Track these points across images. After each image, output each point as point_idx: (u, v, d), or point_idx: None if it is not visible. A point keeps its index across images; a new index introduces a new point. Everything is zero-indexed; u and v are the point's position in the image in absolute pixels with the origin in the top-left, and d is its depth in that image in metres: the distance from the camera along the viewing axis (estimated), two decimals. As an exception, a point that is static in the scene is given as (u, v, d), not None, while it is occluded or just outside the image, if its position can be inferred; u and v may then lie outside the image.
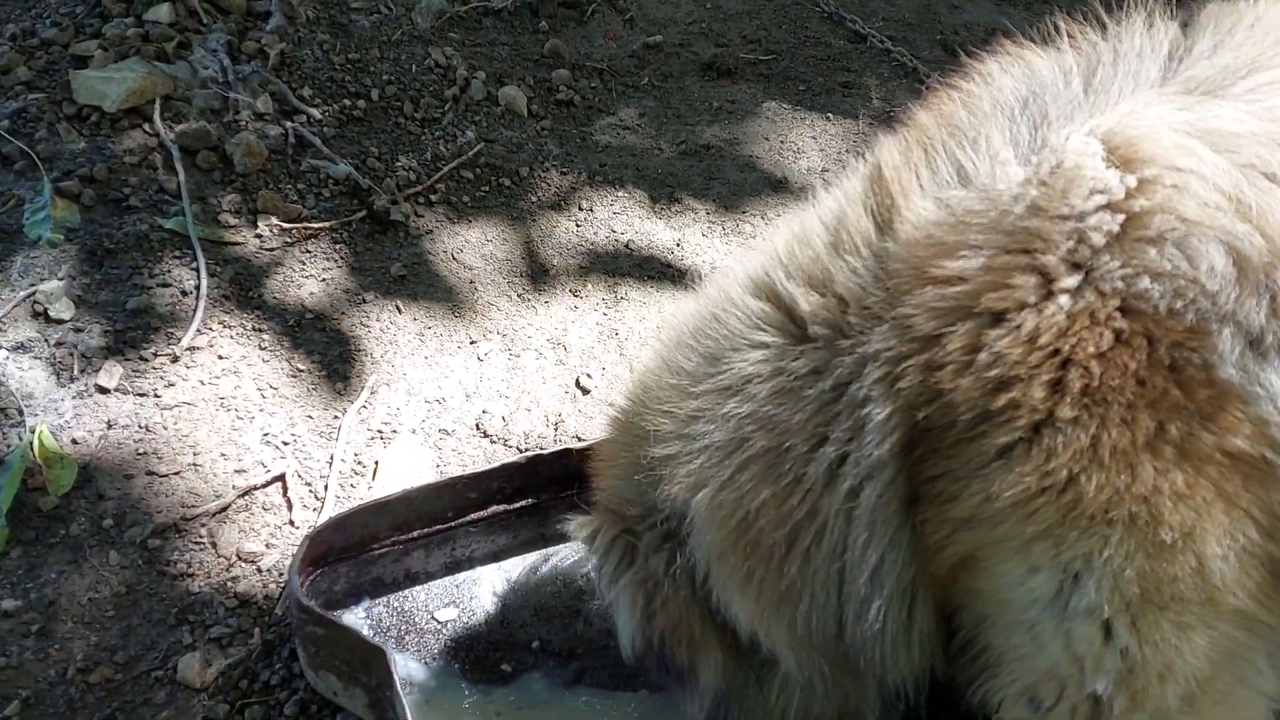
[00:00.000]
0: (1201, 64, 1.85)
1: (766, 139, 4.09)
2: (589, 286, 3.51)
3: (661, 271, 3.59)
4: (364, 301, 3.33)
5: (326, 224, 3.51)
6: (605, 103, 4.20)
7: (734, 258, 2.32)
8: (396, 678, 2.15)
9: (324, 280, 3.37)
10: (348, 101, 3.94)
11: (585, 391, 3.22)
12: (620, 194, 3.82)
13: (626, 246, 3.66)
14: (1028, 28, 5.06)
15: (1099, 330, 1.69)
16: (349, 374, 3.15)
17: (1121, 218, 1.71)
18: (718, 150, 4.03)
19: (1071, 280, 1.71)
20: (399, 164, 3.76)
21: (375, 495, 2.77)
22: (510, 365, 3.25)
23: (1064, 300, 1.70)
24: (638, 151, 3.99)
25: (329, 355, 3.18)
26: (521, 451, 3.04)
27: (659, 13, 4.68)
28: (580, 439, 3.05)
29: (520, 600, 2.72)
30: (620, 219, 3.74)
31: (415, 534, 2.62)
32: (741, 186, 3.90)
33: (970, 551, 1.85)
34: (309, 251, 3.44)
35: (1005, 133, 1.86)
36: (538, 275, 3.53)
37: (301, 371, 3.13)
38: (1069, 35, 1.97)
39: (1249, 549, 1.72)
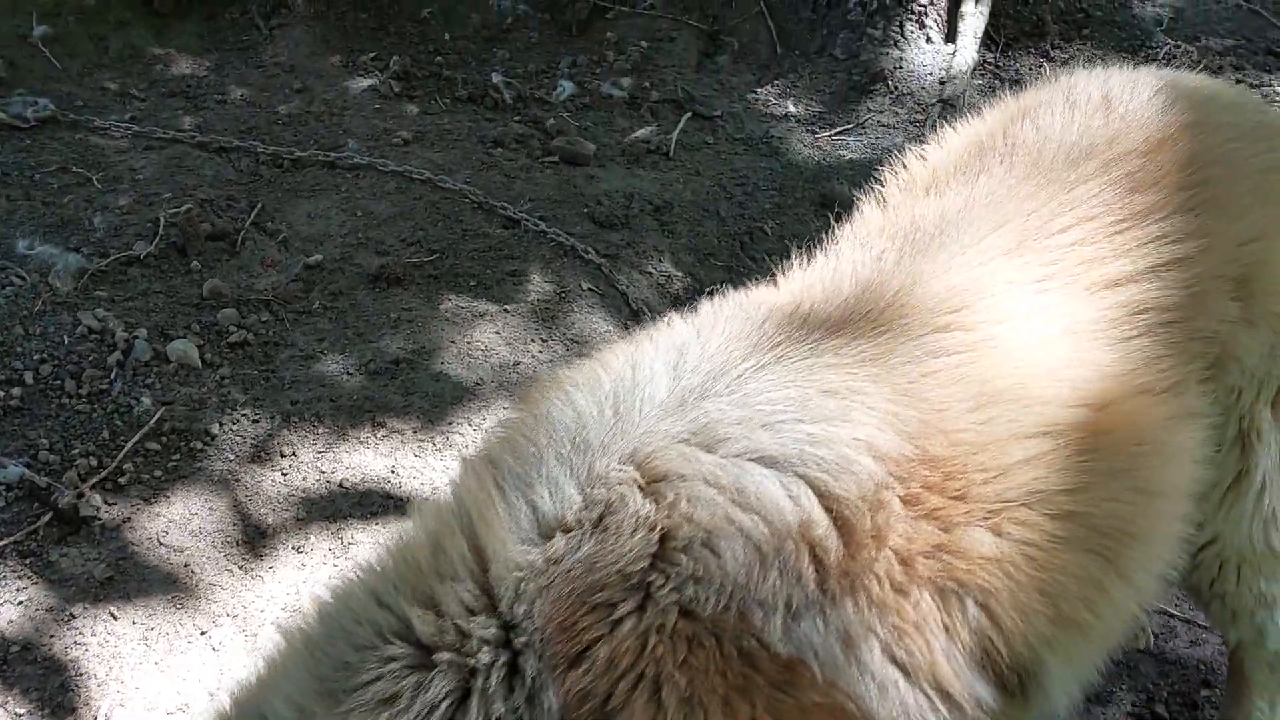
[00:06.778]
0: (690, 375, 2.05)
1: (453, 342, 4.17)
2: (312, 539, 3.42)
3: (383, 505, 3.56)
4: (73, 617, 3.08)
5: (9, 538, 3.23)
6: (280, 335, 4.13)
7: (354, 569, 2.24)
8: None
9: (22, 603, 3.09)
10: (1, 392, 3.66)
11: (336, 654, 3.13)
12: (321, 430, 3.77)
13: (340, 486, 3.61)
14: (658, 187, 5.41)
15: (673, 641, 1.84)
16: (74, 704, 2.90)
17: (657, 536, 1.87)
18: (407, 363, 4.07)
19: (632, 603, 1.85)
20: (75, 451, 3.53)
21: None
22: (249, 649, 3.11)
23: (630, 623, 1.84)
24: (326, 381, 3.96)
25: (47, 689, 2.92)
26: (285, 739, 2.91)
27: (311, 229, 4.67)
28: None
29: None
30: (326, 458, 3.68)
31: None
32: (441, 397, 3.95)
33: None
34: (-5, 574, 3.15)
35: (565, 466, 1.97)
36: (255, 540, 3.41)
37: (20, 716, 2.85)
38: (605, 360, 2.15)
39: None
